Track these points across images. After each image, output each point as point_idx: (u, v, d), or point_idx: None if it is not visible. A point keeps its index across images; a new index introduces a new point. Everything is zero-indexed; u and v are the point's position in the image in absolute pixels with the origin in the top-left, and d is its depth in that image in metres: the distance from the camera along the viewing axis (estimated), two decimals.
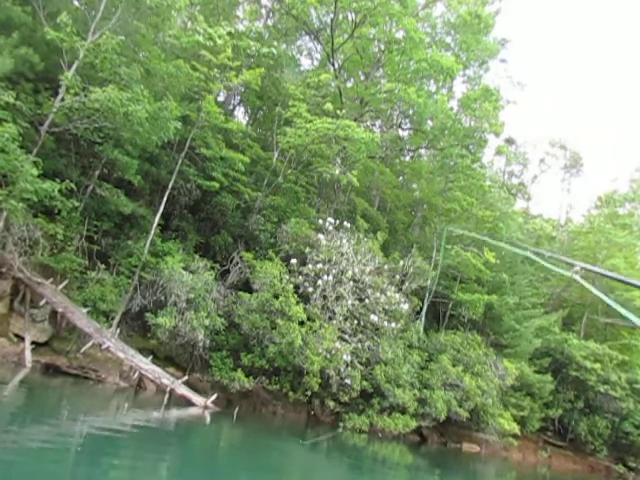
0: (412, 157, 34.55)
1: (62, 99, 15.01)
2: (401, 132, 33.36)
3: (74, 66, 15.17)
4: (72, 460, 8.73)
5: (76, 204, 15.12)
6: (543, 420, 27.08)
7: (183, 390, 15.58)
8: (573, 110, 78.07)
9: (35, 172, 13.20)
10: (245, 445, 13.60)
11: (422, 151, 34.62)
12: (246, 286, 19.43)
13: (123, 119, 14.30)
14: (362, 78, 29.64)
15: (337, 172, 21.95)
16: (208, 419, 15.17)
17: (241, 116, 30.91)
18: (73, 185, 14.42)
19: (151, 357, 16.36)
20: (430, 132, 28.35)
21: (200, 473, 9.85)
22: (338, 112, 20.59)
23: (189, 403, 15.49)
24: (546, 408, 27.07)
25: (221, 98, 28.30)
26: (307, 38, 31.41)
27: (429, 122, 28.52)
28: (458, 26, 30.27)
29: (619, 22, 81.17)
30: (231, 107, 28.84)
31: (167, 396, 15.32)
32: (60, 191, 14.13)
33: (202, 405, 15.42)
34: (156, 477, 8.98)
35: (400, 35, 24.69)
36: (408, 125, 32.15)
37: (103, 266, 17.35)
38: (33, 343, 15.31)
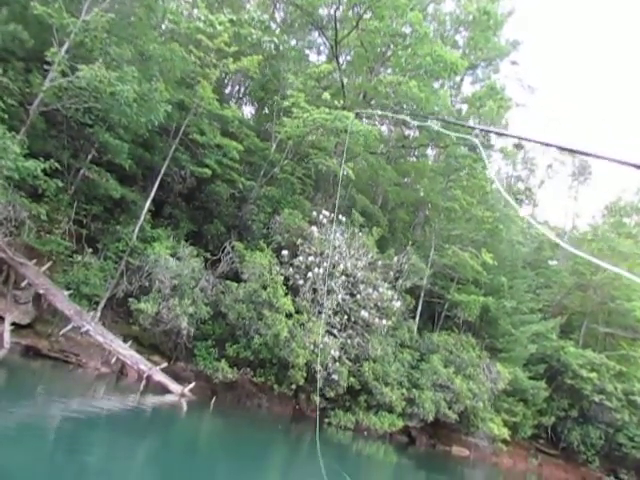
0: (417, 157, 34.13)
1: (52, 79, 14.79)
2: (408, 131, 32.96)
3: (65, 45, 14.94)
4: (36, 443, 8.60)
5: (60, 184, 14.90)
6: (536, 427, 26.62)
7: (160, 377, 15.33)
8: (585, 115, 76.86)
9: (18, 150, 12.97)
10: (217, 437, 13.32)
11: (428, 151, 34.21)
12: (236, 276, 19.14)
13: (110, 99, 14.04)
14: (368, 75, 29.26)
15: (335, 163, 21.57)
16: (185, 408, 14.91)
17: (247, 110, 30.76)
18: (57, 165, 14.19)
19: (131, 342, 16.13)
20: (433, 131, 27.88)
21: (160, 463, 9.58)
22: (336, 103, 20.25)
23: (166, 390, 15.22)
24: (539, 415, 26.59)
25: (227, 90, 28.08)
26: (316, 34, 31.10)
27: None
28: (467, 23, 29.81)
29: (633, 24, 79.97)
30: (235, 100, 28.55)
31: (144, 382, 15.07)
32: (44, 171, 13.91)
33: (179, 393, 15.17)
34: (110, 465, 8.73)
35: (406, 30, 24.29)
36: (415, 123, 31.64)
37: (90, 250, 17.16)
38: (15, 325, 15.08)
